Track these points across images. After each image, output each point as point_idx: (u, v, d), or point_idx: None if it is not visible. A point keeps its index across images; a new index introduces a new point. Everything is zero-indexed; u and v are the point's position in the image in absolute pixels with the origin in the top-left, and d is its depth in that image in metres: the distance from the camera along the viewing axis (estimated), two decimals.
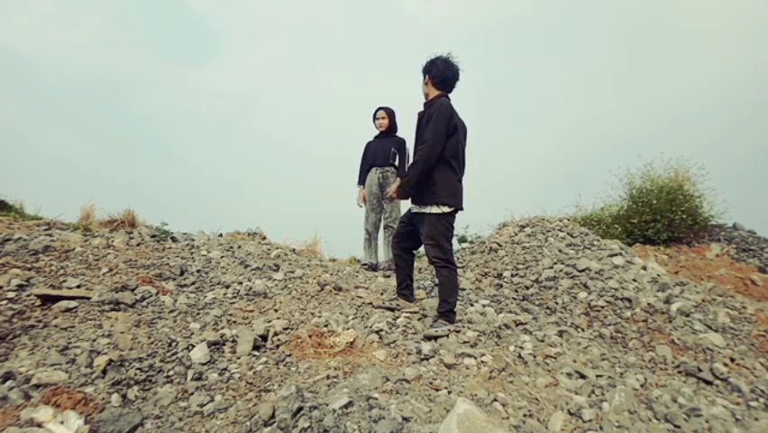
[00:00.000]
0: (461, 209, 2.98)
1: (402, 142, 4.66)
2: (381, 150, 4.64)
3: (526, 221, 5.22)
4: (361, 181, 4.77)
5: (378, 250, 4.78)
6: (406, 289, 3.30)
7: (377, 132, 4.76)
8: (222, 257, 4.23)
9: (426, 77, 3.03)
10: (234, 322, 2.93)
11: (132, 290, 3.15)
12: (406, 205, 3.67)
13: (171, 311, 3.00)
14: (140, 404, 2.09)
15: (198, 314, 3.03)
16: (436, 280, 3.74)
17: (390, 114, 4.70)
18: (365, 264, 4.73)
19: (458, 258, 4.82)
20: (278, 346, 2.61)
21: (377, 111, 4.73)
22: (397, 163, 4.61)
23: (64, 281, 3.14)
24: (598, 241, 4.62)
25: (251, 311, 3.13)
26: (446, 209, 2.88)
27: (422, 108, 3.09)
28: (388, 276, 4.31)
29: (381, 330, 2.80)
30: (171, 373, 2.31)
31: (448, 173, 2.89)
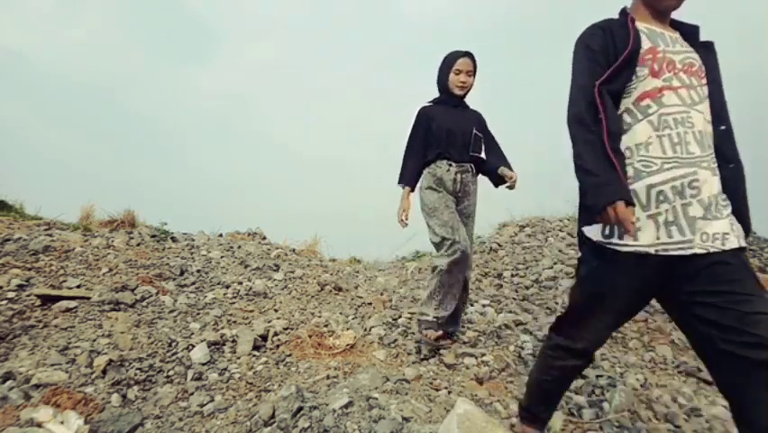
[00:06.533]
0: None
1: (484, 122, 2.73)
2: (457, 129, 2.57)
3: (526, 221, 5.21)
4: (410, 180, 2.63)
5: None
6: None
7: (439, 96, 2.67)
8: (222, 257, 4.23)
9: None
10: (234, 322, 2.93)
11: (132, 290, 3.15)
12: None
13: (171, 311, 3.00)
14: (140, 404, 2.09)
15: (198, 314, 3.03)
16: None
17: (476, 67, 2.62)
18: (432, 323, 2.51)
19: None
20: (278, 346, 2.61)
21: (459, 56, 2.54)
22: (483, 155, 2.65)
23: (64, 281, 3.14)
24: None
25: (251, 311, 3.13)
26: None
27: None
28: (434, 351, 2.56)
29: (381, 330, 2.80)
30: (171, 372, 2.31)
31: None
